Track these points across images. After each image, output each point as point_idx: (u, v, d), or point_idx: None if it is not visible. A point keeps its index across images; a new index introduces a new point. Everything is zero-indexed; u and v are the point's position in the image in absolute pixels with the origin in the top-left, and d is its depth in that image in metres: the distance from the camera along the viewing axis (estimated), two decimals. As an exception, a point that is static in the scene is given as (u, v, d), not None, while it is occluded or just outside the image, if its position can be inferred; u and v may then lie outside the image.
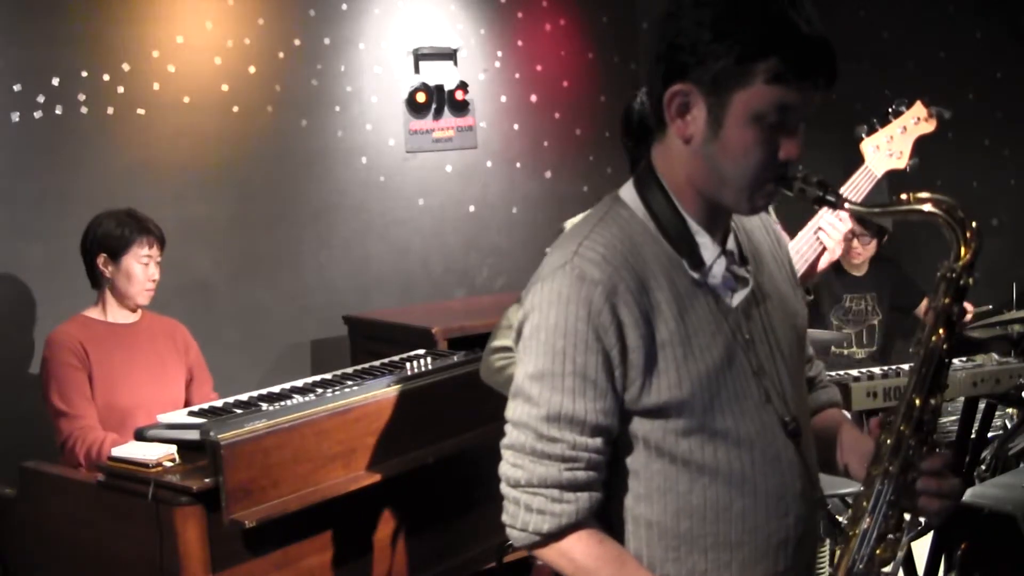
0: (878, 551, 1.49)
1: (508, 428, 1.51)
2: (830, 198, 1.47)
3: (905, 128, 2.63)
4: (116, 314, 3.39)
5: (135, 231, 3.32)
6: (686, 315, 1.48)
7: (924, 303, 4.63)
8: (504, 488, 1.51)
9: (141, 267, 3.33)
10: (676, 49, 1.43)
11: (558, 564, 1.49)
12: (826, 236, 2.48)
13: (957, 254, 1.46)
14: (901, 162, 2.62)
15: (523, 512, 1.47)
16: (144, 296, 3.37)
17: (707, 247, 1.52)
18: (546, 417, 1.46)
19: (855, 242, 4.50)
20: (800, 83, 1.40)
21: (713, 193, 1.49)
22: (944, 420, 3.48)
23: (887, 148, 2.61)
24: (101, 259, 3.33)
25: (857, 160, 2.65)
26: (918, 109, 2.64)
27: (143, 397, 3.30)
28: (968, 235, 1.45)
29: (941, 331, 1.48)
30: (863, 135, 2.63)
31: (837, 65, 1.42)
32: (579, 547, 1.47)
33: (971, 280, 1.46)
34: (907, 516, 1.51)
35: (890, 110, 2.65)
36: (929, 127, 2.65)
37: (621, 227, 1.51)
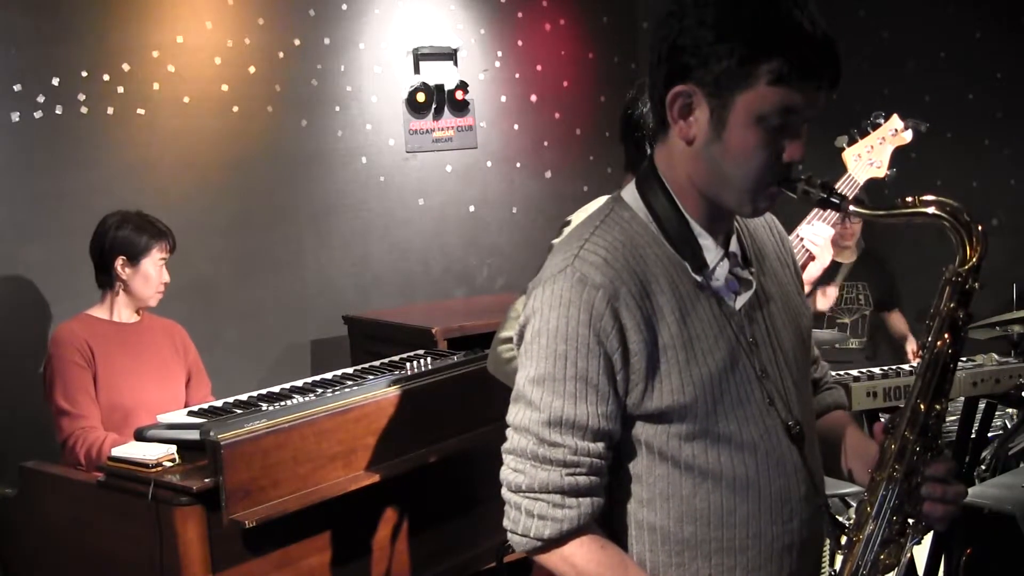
0: (882, 556, 1.49)
1: (509, 432, 1.50)
2: (834, 200, 1.45)
3: (883, 139, 2.75)
4: (122, 314, 3.41)
5: (154, 236, 3.39)
6: (688, 318, 1.46)
7: (896, 313, 4.71)
8: (505, 493, 1.49)
9: (157, 270, 3.40)
10: (678, 50, 1.42)
11: (560, 569, 1.48)
12: (811, 244, 2.49)
13: (963, 258, 1.43)
14: (881, 171, 2.74)
15: (524, 517, 1.46)
16: (156, 298, 3.44)
17: (710, 249, 1.51)
18: (547, 422, 1.44)
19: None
20: (804, 84, 1.38)
21: (715, 195, 1.47)
22: (943, 420, 3.47)
23: (867, 158, 2.72)
24: (119, 261, 3.35)
25: None
26: (895, 122, 2.78)
27: (146, 396, 3.30)
28: (974, 239, 1.42)
29: (946, 336, 1.45)
30: (844, 145, 2.75)
31: (842, 65, 1.40)
32: (581, 552, 1.46)
33: (976, 284, 1.43)
34: (911, 521, 1.50)
35: (868, 122, 2.76)
36: (905, 139, 2.79)
37: (623, 229, 1.50)
